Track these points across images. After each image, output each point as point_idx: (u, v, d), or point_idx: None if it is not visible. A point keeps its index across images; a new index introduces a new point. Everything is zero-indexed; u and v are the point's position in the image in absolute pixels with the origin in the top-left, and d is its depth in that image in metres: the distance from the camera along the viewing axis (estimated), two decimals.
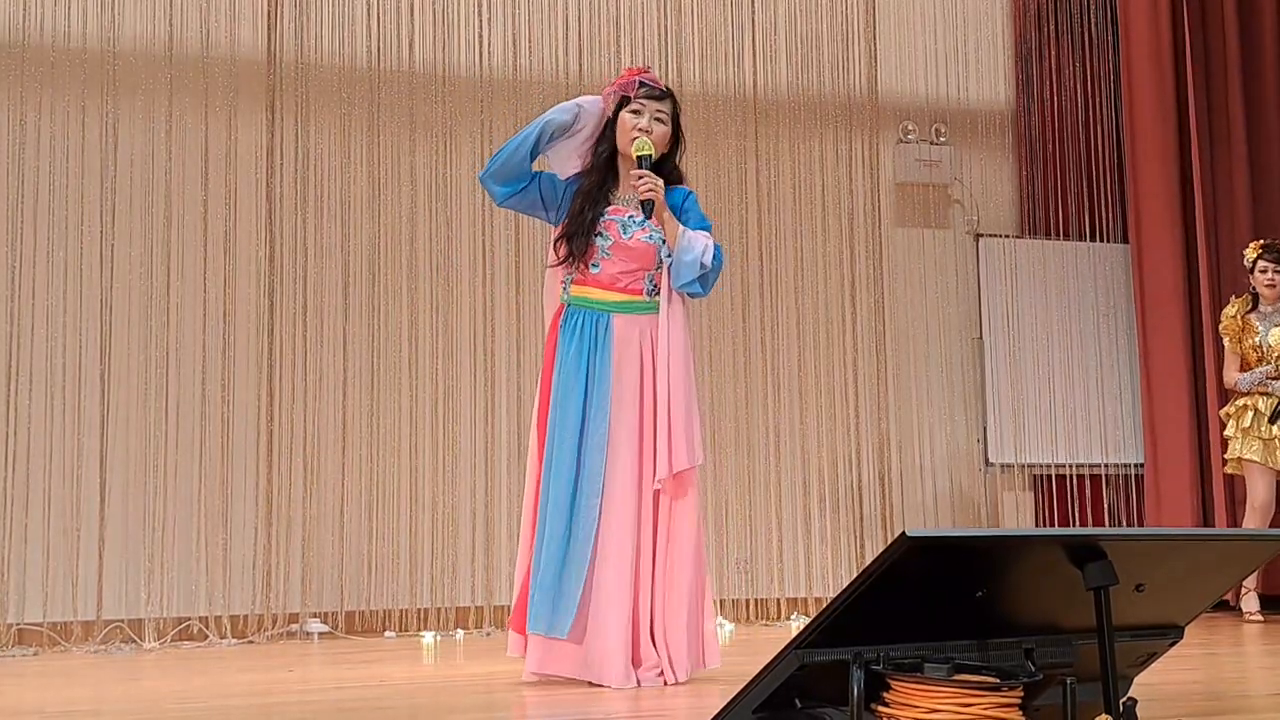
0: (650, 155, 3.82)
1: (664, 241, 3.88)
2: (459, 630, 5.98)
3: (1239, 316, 6.26)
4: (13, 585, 5.55)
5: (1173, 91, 7.03)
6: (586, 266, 3.86)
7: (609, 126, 3.95)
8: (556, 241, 3.90)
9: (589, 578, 3.73)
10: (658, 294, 3.88)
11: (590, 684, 3.71)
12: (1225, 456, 6.24)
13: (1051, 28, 7.36)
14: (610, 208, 3.90)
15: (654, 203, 3.78)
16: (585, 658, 3.72)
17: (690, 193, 4.00)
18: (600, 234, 3.86)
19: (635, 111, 3.89)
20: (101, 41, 5.92)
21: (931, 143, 7.17)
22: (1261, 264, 6.24)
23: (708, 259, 3.86)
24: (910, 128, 7.15)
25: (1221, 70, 7.07)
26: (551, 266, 3.96)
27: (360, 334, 6.17)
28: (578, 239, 3.84)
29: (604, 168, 3.94)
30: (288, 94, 6.16)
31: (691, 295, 3.92)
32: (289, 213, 6.12)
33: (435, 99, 6.36)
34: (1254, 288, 6.28)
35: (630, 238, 3.87)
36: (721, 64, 6.81)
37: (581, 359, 3.82)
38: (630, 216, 3.90)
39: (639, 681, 3.70)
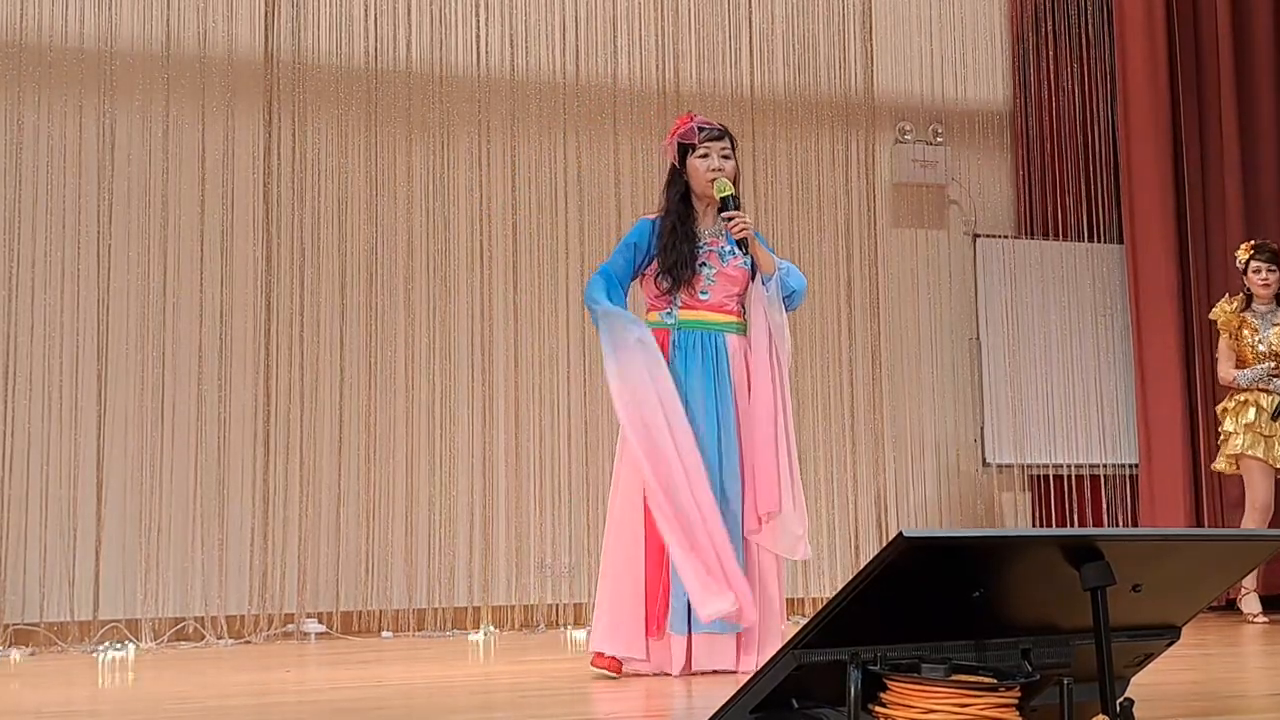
0: (733, 194, 4.17)
1: (754, 269, 4.23)
2: (456, 630, 5.98)
3: (1236, 313, 6.26)
4: (10, 585, 5.54)
5: (1167, 92, 7.04)
6: (695, 293, 4.20)
7: (677, 173, 4.27)
8: (659, 277, 4.20)
9: (758, 578, 4.10)
10: (745, 314, 4.28)
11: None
12: (1225, 453, 6.18)
13: (1048, 28, 7.36)
14: (708, 239, 4.24)
15: (747, 240, 4.13)
16: (758, 646, 4.03)
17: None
18: (704, 264, 4.21)
19: (703, 155, 4.23)
20: (99, 41, 5.92)
21: (928, 143, 7.17)
22: (1255, 264, 6.24)
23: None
24: (907, 128, 7.16)
25: (1214, 71, 7.08)
26: (655, 296, 4.26)
27: (357, 334, 6.17)
28: (679, 271, 4.18)
29: (680, 208, 4.26)
30: (285, 94, 6.15)
31: (791, 308, 4.30)
32: (286, 213, 6.12)
33: (432, 99, 6.35)
34: (1247, 288, 6.28)
35: (728, 265, 4.23)
36: (718, 64, 6.80)
37: (707, 377, 4.17)
38: (723, 247, 4.24)
39: None
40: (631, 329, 4.10)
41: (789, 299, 4.23)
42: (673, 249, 4.18)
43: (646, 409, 4.02)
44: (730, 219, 4.14)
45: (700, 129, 4.25)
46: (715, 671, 3.96)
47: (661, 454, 3.98)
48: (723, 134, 4.29)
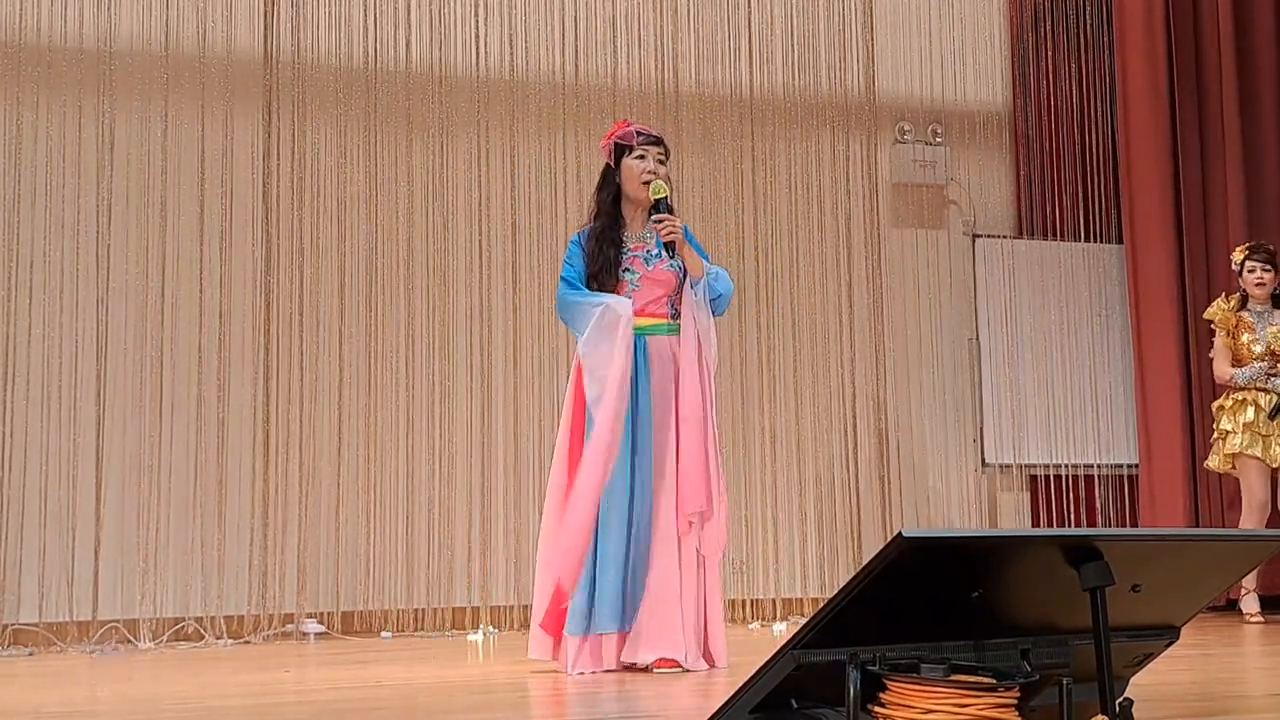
0: (666, 196, 4.21)
1: (684, 271, 4.25)
2: (455, 631, 5.98)
3: (1233, 311, 6.26)
4: (8, 585, 5.54)
5: (1167, 91, 7.05)
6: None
7: (611, 174, 4.33)
8: (585, 281, 4.25)
9: (648, 575, 4.09)
10: (678, 317, 4.27)
11: (646, 668, 4.02)
12: (1224, 451, 6.15)
13: (1047, 28, 7.37)
14: (633, 244, 4.29)
15: (675, 243, 4.19)
16: (653, 643, 4.03)
17: (686, 225, 4.42)
18: (628, 269, 4.27)
19: (640, 157, 4.29)
20: (98, 41, 5.92)
21: (928, 143, 7.17)
22: (1250, 264, 6.26)
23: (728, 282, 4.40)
24: (906, 128, 7.16)
25: (1215, 71, 7.09)
26: None
27: (357, 334, 6.17)
28: (603, 277, 4.23)
29: (612, 211, 4.31)
30: (284, 94, 6.16)
31: (718, 313, 4.33)
32: (285, 213, 6.12)
33: (432, 99, 6.35)
34: (1243, 289, 6.29)
35: (653, 269, 4.28)
36: (718, 64, 6.81)
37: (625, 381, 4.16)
38: (648, 251, 4.29)
39: (713, 665, 4.11)
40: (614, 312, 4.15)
41: (715, 303, 4.27)
42: (599, 254, 4.24)
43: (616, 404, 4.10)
44: (660, 221, 4.18)
45: (639, 134, 4.31)
46: (602, 671, 4.04)
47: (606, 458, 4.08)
48: (660, 141, 4.36)
